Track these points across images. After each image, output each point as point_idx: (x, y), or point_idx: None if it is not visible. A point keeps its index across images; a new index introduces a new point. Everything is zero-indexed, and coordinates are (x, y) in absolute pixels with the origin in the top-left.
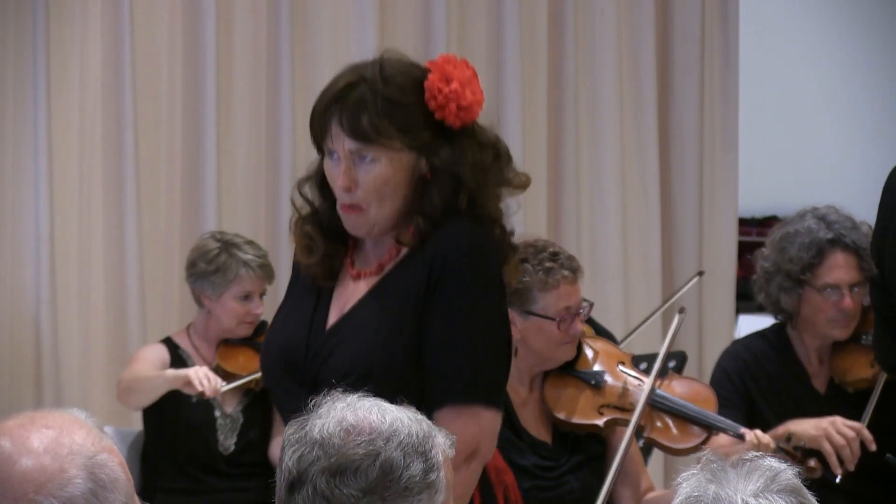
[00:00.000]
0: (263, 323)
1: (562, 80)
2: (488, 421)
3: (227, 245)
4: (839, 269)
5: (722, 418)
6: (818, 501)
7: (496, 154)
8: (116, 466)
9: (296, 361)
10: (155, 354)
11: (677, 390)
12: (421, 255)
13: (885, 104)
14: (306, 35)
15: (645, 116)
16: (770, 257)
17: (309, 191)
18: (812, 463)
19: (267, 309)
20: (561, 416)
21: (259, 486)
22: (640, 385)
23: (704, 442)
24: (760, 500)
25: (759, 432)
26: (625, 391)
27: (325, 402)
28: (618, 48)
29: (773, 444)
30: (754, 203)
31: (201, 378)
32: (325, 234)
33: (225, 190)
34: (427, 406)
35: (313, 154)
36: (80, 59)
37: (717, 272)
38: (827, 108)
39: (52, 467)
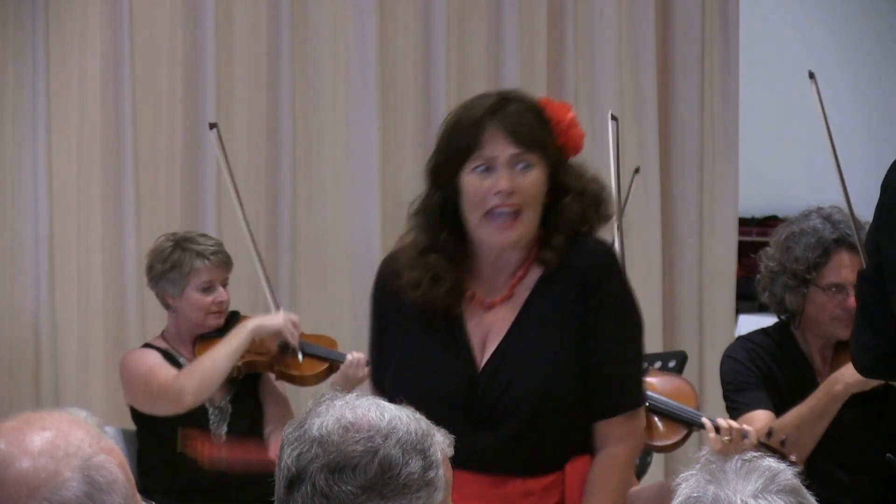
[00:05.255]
0: (235, 313)
1: (562, 80)
2: (644, 419)
3: (180, 241)
4: (844, 268)
5: (700, 414)
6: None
7: (601, 186)
8: (114, 467)
9: (462, 403)
10: (157, 357)
11: (658, 388)
12: (564, 272)
13: (886, 104)
14: (306, 36)
15: (645, 116)
16: (775, 257)
17: (422, 221)
18: (793, 458)
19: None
20: None
21: (254, 482)
22: None
23: (686, 437)
24: (759, 501)
25: (731, 421)
26: None
27: (324, 401)
28: (618, 48)
29: (753, 436)
30: (754, 203)
31: (292, 330)
32: (449, 261)
33: (225, 190)
34: (596, 415)
35: (313, 152)
36: (79, 58)
37: (718, 272)
38: (827, 108)
39: (46, 470)
